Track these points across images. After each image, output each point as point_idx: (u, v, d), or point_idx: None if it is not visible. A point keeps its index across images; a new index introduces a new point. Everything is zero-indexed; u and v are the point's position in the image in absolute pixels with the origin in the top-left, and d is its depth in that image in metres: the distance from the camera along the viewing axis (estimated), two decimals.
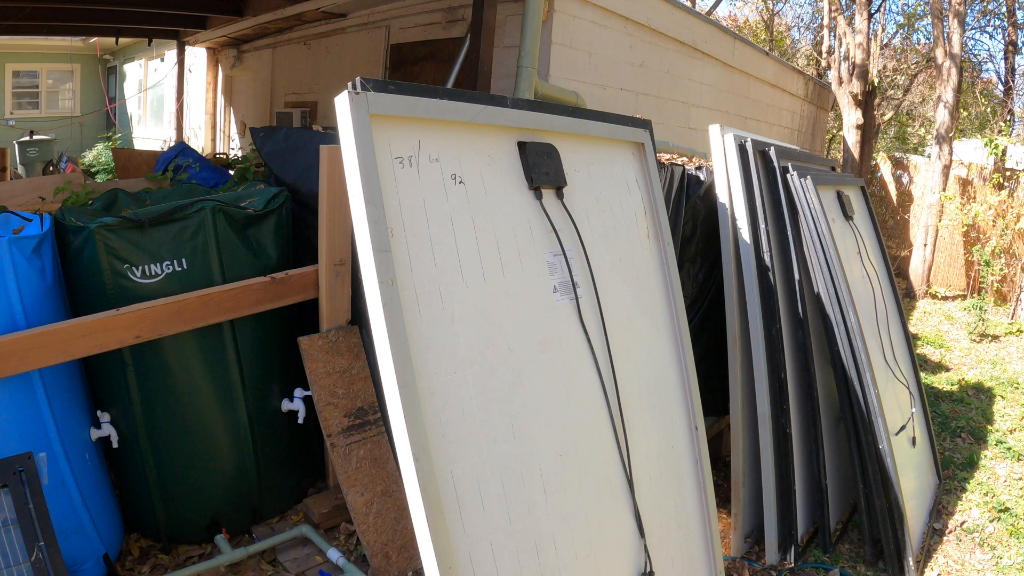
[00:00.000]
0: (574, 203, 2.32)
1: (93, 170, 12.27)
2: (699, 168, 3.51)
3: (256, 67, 9.46)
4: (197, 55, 10.35)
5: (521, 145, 2.19)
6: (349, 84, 1.81)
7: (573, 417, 2.16)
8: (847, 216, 3.98)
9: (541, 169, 2.21)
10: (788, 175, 3.48)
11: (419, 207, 1.87)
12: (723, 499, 3.67)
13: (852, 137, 10.93)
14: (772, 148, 3.55)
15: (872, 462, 3.32)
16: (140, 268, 2.69)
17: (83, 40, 13.78)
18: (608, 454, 2.27)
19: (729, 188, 3.38)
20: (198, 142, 10.65)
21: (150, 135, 12.81)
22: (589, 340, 2.23)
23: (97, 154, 12.82)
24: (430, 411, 1.76)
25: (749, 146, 3.42)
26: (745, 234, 3.34)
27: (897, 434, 3.60)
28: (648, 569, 2.32)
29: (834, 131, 15.35)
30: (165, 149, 7.78)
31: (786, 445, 3.35)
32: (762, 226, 3.35)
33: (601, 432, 2.26)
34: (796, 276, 3.41)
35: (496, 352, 1.96)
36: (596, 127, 2.53)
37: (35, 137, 11.71)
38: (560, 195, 2.27)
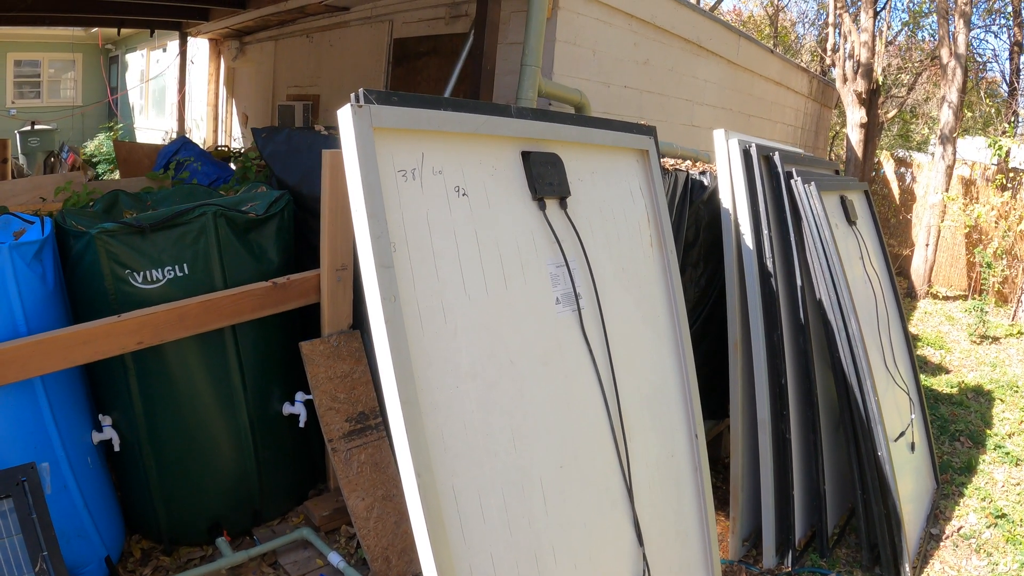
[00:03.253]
0: (578, 213, 2.31)
1: (94, 160, 12.26)
2: (703, 172, 3.50)
3: (258, 59, 9.43)
4: (199, 46, 10.32)
5: (525, 155, 2.18)
6: (352, 96, 1.79)
7: (574, 428, 2.16)
8: (850, 221, 3.97)
9: (545, 180, 2.20)
10: (792, 180, 3.47)
11: (422, 221, 1.86)
12: (721, 501, 3.67)
13: (855, 136, 10.89)
14: (776, 153, 3.54)
15: (871, 469, 3.32)
16: (142, 274, 2.68)
17: (85, 30, 13.72)
18: (608, 464, 2.27)
19: (733, 194, 3.37)
20: (200, 133, 10.63)
21: (152, 126, 12.79)
22: (591, 351, 2.23)
23: (98, 144, 12.80)
24: (432, 426, 1.76)
25: (753, 151, 3.41)
26: (748, 240, 3.33)
27: (896, 440, 3.60)
28: None
29: (837, 128, 15.29)
30: (167, 142, 7.79)
31: (785, 451, 3.35)
32: (765, 232, 3.34)
33: (601, 442, 2.26)
34: (798, 282, 3.41)
35: (498, 365, 1.95)
36: (601, 135, 2.52)
37: (36, 127, 11.68)
38: (564, 205, 2.26)
